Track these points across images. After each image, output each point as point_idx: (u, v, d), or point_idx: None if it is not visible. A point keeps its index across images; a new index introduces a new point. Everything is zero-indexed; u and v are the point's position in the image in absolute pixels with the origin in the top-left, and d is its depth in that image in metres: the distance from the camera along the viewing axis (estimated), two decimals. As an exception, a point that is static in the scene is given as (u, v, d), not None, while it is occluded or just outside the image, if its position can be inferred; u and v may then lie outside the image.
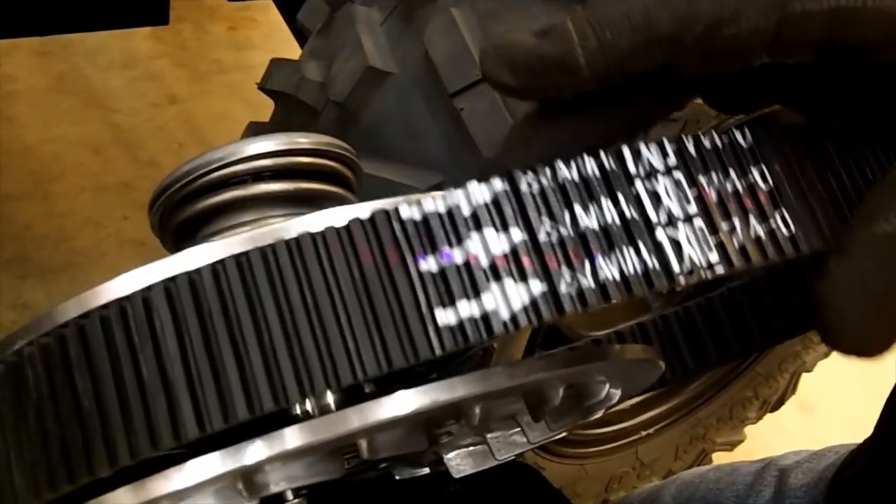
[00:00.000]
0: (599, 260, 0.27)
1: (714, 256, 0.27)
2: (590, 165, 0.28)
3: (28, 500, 0.27)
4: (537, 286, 0.26)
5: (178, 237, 0.45)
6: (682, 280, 0.27)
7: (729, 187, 0.28)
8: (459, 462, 0.43)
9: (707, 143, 0.29)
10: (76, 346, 0.27)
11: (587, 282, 0.26)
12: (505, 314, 0.26)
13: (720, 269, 0.27)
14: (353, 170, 0.45)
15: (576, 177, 0.27)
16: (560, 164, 0.27)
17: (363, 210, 0.31)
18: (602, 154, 0.28)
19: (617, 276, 0.27)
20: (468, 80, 0.73)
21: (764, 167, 0.29)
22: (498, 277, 0.26)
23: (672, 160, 0.28)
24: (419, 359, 0.25)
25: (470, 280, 0.26)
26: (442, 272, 0.26)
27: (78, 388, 0.26)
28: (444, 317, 0.26)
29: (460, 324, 0.26)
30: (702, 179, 0.28)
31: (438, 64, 0.66)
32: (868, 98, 0.31)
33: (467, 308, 0.26)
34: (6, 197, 1.83)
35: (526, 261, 0.26)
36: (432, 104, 0.75)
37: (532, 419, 0.41)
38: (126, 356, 0.26)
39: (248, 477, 0.33)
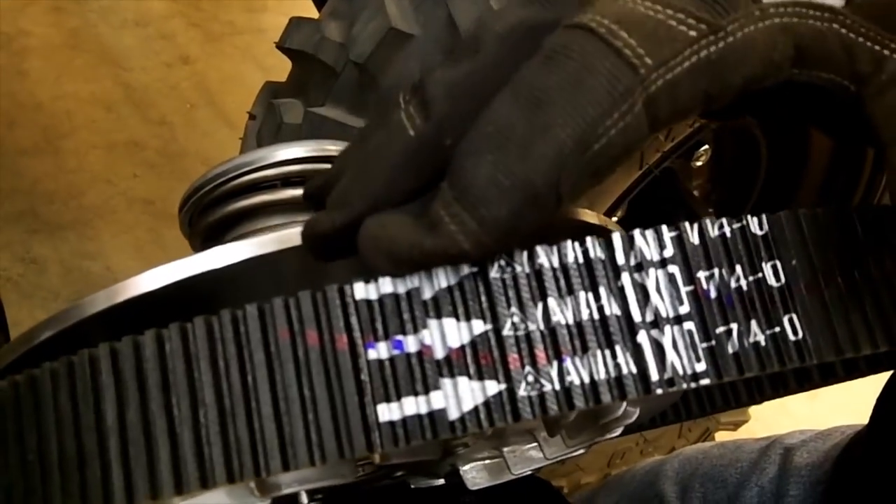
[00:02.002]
0: (568, 362, 0.24)
1: (701, 366, 0.24)
2: (572, 253, 0.25)
3: None
4: (494, 386, 0.24)
5: (206, 239, 0.45)
6: (658, 390, 0.24)
7: (733, 284, 0.25)
8: (475, 475, 0.43)
9: (713, 232, 0.25)
10: (27, 397, 0.25)
11: (550, 385, 0.24)
12: (454, 414, 0.23)
13: (706, 380, 0.24)
14: None
15: (556, 264, 0.24)
16: (539, 251, 0.25)
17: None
18: (588, 241, 0.25)
19: (586, 381, 0.24)
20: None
21: (778, 262, 0.26)
22: (452, 373, 0.24)
23: (669, 251, 0.25)
24: (354, 454, 0.23)
25: (421, 373, 0.24)
26: (391, 361, 0.24)
27: (25, 440, 0.25)
28: (387, 412, 0.23)
29: (403, 421, 0.23)
30: (701, 275, 0.25)
31: (462, 27, 0.66)
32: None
33: (413, 404, 0.23)
34: (17, 152, 1.83)
35: (485, 357, 0.24)
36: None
37: (548, 434, 0.41)
38: (68, 416, 0.25)
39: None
